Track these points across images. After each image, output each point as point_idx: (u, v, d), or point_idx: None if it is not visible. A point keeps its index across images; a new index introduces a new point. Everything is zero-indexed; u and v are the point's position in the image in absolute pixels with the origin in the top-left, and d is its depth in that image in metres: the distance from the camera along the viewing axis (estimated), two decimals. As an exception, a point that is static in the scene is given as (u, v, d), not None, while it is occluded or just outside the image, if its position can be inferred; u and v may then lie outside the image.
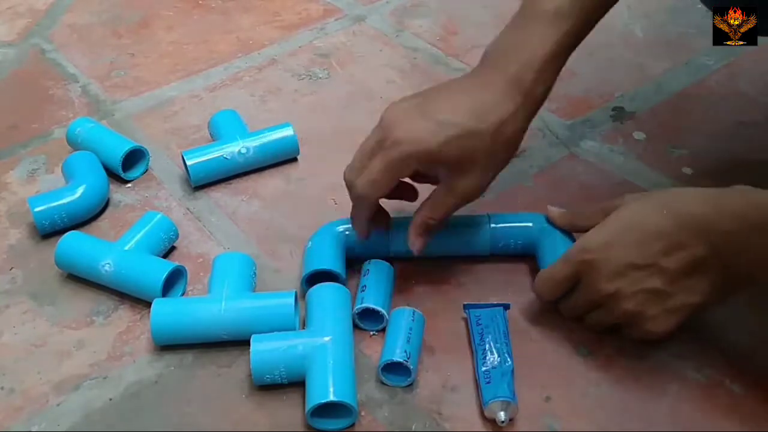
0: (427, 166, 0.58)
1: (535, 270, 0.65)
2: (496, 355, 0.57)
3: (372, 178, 0.58)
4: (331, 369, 0.56)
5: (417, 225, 0.62)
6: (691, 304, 0.56)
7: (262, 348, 0.57)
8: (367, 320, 0.62)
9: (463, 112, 0.57)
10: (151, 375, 0.60)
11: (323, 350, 0.57)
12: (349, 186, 0.60)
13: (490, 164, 0.59)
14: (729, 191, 0.55)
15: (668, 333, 0.57)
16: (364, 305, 0.61)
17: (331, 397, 0.53)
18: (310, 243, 0.67)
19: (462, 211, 0.72)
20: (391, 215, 0.67)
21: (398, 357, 0.57)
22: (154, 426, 0.57)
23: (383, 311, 0.61)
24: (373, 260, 0.65)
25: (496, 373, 0.56)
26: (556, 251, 0.63)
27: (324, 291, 0.61)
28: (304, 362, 0.57)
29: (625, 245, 0.56)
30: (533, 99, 0.59)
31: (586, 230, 0.59)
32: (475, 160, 0.58)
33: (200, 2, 1.10)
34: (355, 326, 0.62)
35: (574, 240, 0.65)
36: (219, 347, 0.61)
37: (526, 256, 0.67)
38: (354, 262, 0.67)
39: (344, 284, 0.64)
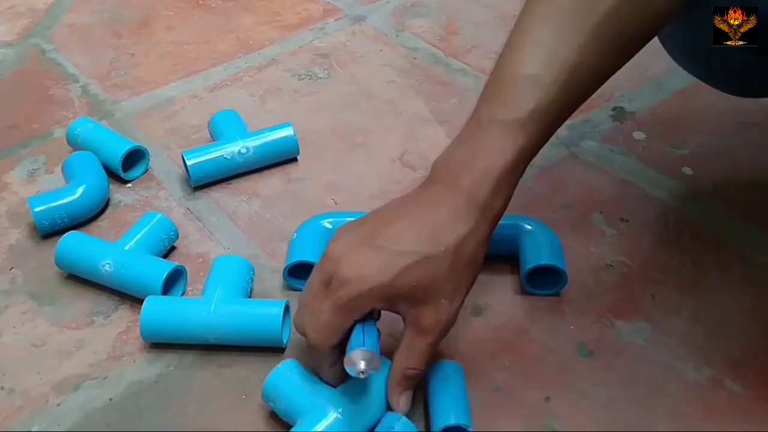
0: (385, 303, 0.51)
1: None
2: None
3: (323, 326, 0.51)
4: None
5: (396, 381, 0.53)
6: None
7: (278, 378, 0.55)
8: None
9: (416, 237, 0.51)
10: (151, 375, 0.60)
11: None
12: (301, 334, 0.53)
13: (454, 289, 0.51)
14: None
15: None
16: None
17: None
18: (295, 234, 0.67)
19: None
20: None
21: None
22: (154, 426, 0.56)
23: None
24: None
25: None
26: (538, 252, 0.63)
27: None
28: (303, 411, 0.53)
29: None
30: (492, 214, 0.52)
31: None
32: (437, 288, 0.50)
33: (200, 2, 1.10)
34: None
35: (557, 241, 0.65)
36: (219, 347, 0.61)
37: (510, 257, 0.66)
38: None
39: None
